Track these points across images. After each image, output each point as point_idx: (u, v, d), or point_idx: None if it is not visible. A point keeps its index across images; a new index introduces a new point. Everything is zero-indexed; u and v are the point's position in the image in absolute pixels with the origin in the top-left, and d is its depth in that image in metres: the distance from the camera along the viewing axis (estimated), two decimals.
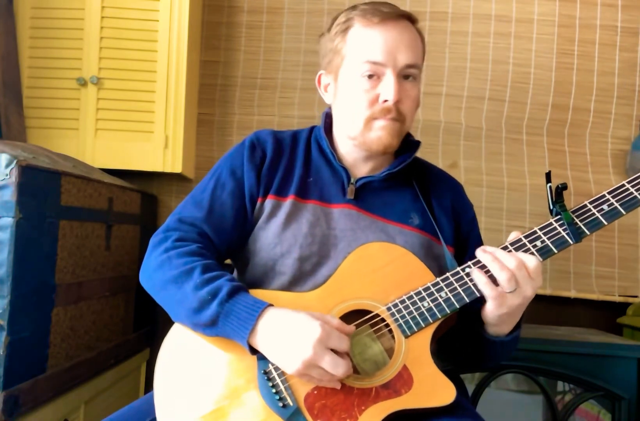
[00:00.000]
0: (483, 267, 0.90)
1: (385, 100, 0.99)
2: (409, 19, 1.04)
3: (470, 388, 1.54)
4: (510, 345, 0.96)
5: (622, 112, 1.99)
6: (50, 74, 1.81)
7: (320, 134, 1.11)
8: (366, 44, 1.00)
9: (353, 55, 1.01)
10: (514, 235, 0.92)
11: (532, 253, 0.90)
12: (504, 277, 0.85)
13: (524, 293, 0.87)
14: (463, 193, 1.17)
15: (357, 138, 1.04)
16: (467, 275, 0.91)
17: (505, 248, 0.91)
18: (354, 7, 1.05)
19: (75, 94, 1.81)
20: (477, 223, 1.15)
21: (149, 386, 1.96)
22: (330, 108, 1.13)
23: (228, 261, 1.13)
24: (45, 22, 1.81)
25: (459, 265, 0.94)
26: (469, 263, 0.92)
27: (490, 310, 0.88)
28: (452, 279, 0.91)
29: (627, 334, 1.88)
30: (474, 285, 0.90)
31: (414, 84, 1.03)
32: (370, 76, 0.99)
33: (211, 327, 0.89)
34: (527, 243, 0.90)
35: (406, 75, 1.01)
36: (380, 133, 1.01)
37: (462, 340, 1.01)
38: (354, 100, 1.01)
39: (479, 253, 0.90)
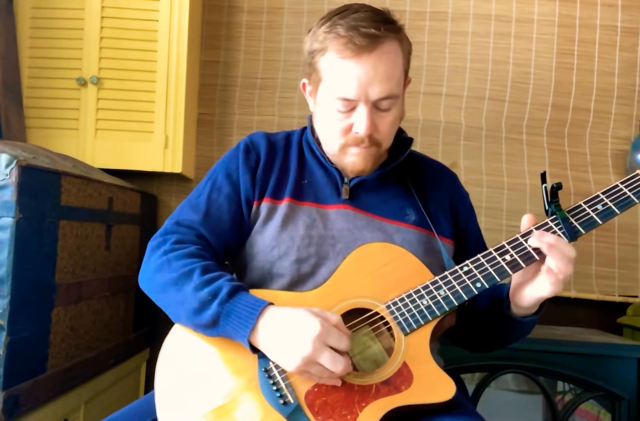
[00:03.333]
0: (481, 265, 0.91)
1: (357, 132, 0.98)
2: (392, 32, 0.97)
3: (470, 388, 1.54)
4: (536, 322, 0.98)
5: (622, 112, 1.99)
6: (50, 74, 1.81)
7: (310, 137, 1.11)
8: (338, 79, 0.96)
9: (327, 85, 0.99)
10: (526, 219, 0.92)
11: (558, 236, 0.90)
12: (566, 266, 0.86)
13: (567, 277, 0.88)
14: (458, 183, 1.17)
15: (335, 156, 1.05)
16: (466, 273, 0.92)
17: (502, 247, 0.92)
18: (332, 25, 0.98)
19: (75, 94, 1.81)
20: (474, 212, 1.16)
21: (149, 386, 1.96)
22: None
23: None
24: (45, 22, 1.81)
25: (460, 255, 0.95)
26: (467, 262, 0.93)
27: (543, 297, 0.89)
28: (450, 277, 0.92)
29: (627, 334, 1.88)
30: (473, 282, 0.91)
31: (389, 112, 0.99)
32: (343, 111, 0.98)
33: (212, 327, 0.89)
34: (524, 243, 0.91)
35: (380, 107, 0.98)
36: (354, 159, 1.02)
37: (487, 322, 1.02)
38: (329, 126, 1.01)
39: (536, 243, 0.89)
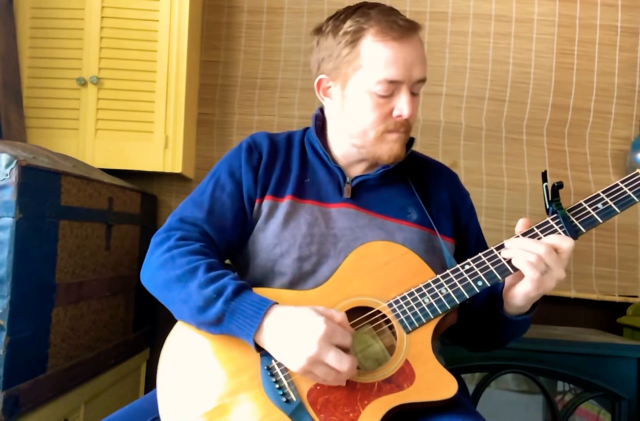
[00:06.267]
0: (482, 263, 0.92)
1: (400, 116, 1.00)
2: (418, 29, 1.02)
3: (470, 388, 1.54)
4: (529, 322, 0.98)
5: (622, 112, 1.99)
6: (50, 74, 1.81)
7: (313, 137, 1.11)
8: (382, 61, 0.98)
9: (366, 70, 0.99)
10: (521, 223, 0.93)
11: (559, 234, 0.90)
12: (533, 259, 0.86)
13: (556, 275, 0.87)
14: (459, 183, 1.18)
15: (366, 147, 1.04)
16: (467, 271, 0.92)
17: (503, 246, 0.92)
18: (363, 14, 1.01)
19: (75, 94, 1.81)
20: (474, 212, 1.16)
21: (149, 386, 1.96)
22: (320, 110, 1.13)
23: (227, 261, 1.13)
24: (45, 22, 1.81)
25: (461, 255, 0.96)
26: (469, 261, 0.93)
27: (527, 292, 0.89)
28: (452, 276, 0.93)
29: (627, 334, 1.88)
30: (474, 281, 0.91)
31: (418, 97, 1.04)
32: (384, 95, 0.99)
33: (216, 325, 0.89)
34: None
35: (414, 91, 1.02)
36: (392, 145, 1.02)
37: (482, 321, 1.02)
38: (367, 114, 1.01)
39: (507, 243, 0.91)
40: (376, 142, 1.02)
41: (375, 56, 0.98)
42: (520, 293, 0.90)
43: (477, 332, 1.06)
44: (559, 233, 0.90)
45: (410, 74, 0.98)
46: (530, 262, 0.86)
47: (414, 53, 0.99)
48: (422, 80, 1.01)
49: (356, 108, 1.02)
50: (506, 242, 0.91)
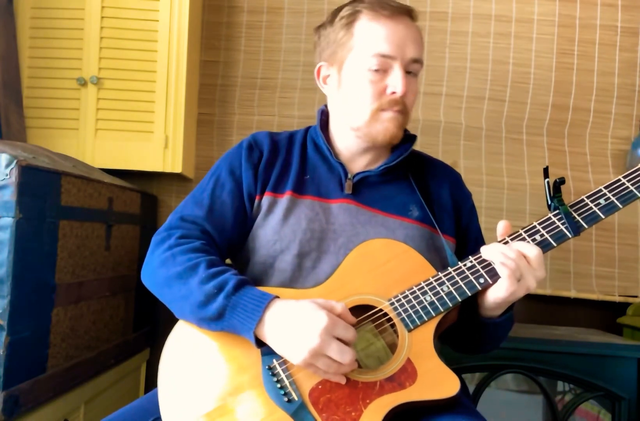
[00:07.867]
0: (484, 260, 0.92)
1: (394, 92, 1.01)
2: (412, 16, 1.05)
3: (471, 388, 1.54)
4: (504, 325, 0.98)
5: (622, 112, 1.99)
6: (50, 74, 1.81)
7: (316, 132, 1.12)
8: (375, 37, 1.01)
9: (360, 48, 1.02)
10: (502, 224, 0.94)
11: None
12: (511, 266, 0.87)
13: (527, 284, 0.89)
14: (462, 183, 1.18)
15: (362, 129, 1.04)
16: (469, 269, 0.92)
17: (505, 243, 0.92)
18: (359, 2, 1.05)
19: (75, 94, 1.81)
20: (476, 212, 1.17)
21: (149, 386, 1.96)
22: (325, 105, 1.14)
23: (228, 261, 1.13)
24: (45, 22, 1.81)
25: (460, 255, 0.95)
26: (470, 258, 0.93)
27: (501, 298, 0.90)
28: (454, 273, 0.93)
29: (627, 334, 1.88)
30: (476, 278, 0.91)
31: (415, 79, 1.05)
32: (377, 70, 1.01)
33: (217, 321, 0.89)
34: (527, 237, 0.92)
35: (410, 70, 1.03)
36: (387, 124, 1.03)
37: (460, 325, 1.02)
38: (361, 92, 1.02)
39: (483, 250, 0.92)
40: (371, 120, 1.03)
41: (369, 33, 1.01)
42: (492, 299, 0.91)
43: (460, 334, 1.05)
44: (528, 242, 0.91)
45: (403, 50, 1.00)
46: (512, 275, 0.87)
47: (406, 31, 1.02)
48: (417, 61, 1.03)
49: (351, 86, 1.04)
50: (482, 251, 0.92)
